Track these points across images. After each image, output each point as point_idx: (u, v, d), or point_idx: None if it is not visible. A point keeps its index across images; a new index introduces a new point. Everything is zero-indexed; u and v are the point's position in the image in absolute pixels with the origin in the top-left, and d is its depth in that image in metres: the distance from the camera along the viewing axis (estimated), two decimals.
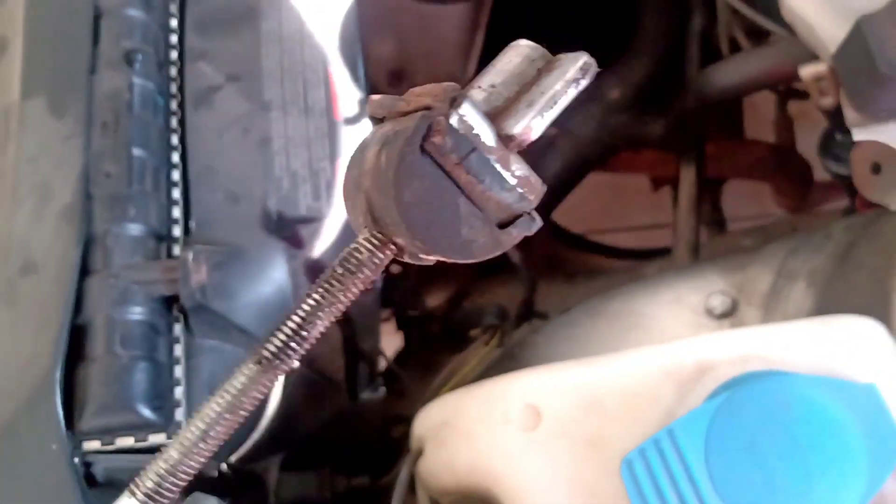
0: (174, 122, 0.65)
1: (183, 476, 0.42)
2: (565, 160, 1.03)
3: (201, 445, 0.41)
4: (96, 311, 0.57)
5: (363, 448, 0.77)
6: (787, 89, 1.23)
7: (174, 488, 0.42)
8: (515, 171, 0.39)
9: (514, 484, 0.54)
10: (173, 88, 0.66)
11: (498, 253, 0.39)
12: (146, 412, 0.56)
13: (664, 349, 0.53)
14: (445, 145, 0.37)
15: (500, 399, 0.56)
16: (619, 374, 0.54)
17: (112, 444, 0.58)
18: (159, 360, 0.58)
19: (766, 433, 0.48)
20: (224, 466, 0.65)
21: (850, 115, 0.56)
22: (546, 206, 1.09)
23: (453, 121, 0.37)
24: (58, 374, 0.55)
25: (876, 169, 0.62)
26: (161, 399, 0.57)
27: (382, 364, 0.76)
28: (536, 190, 0.39)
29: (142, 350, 0.57)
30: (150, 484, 0.41)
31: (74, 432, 0.56)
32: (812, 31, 0.57)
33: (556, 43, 1.31)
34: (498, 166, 0.38)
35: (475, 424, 0.56)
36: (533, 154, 0.39)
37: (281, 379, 0.65)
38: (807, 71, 0.61)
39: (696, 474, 0.47)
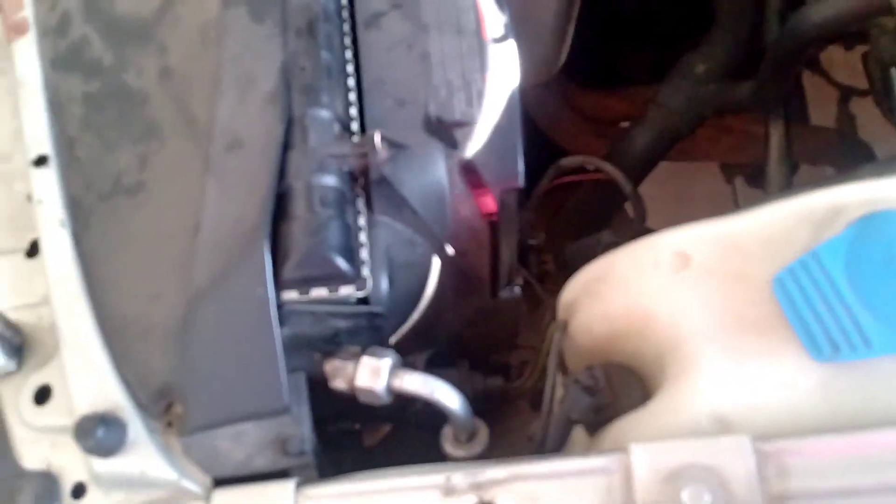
0: (347, 39, 0.75)
1: None
2: (655, 131, 1.13)
3: None
4: (297, 178, 0.66)
5: (498, 348, 0.84)
6: (848, 86, 1.33)
7: None
8: None
9: (667, 317, 0.61)
10: (345, 14, 0.76)
11: None
12: (340, 262, 0.65)
13: (796, 199, 0.61)
14: None
15: (649, 250, 0.64)
16: (758, 222, 0.62)
17: (307, 294, 0.66)
18: (349, 223, 0.67)
19: None
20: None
21: None
22: (637, 177, 1.17)
23: None
24: (267, 229, 0.64)
25: None
26: (351, 254, 0.66)
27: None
28: None
29: (335, 211, 0.66)
30: None
31: (278, 281, 0.65)
32: None
33: (645, 24, 1.44)
34: None
35: (628, 273, 0.64)
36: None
37: (436, 268, 0.74)
38: None
39: (840, 287, 0.55)
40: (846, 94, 1.28)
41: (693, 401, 0.58)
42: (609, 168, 0.91)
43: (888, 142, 1.27)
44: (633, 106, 1.29)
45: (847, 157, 1.27)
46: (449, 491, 0.58)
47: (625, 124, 1.31)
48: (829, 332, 0.53)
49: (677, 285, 0.61)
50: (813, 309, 0.54)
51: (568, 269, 0.95)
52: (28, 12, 0.84)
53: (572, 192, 1.12)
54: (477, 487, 0.58)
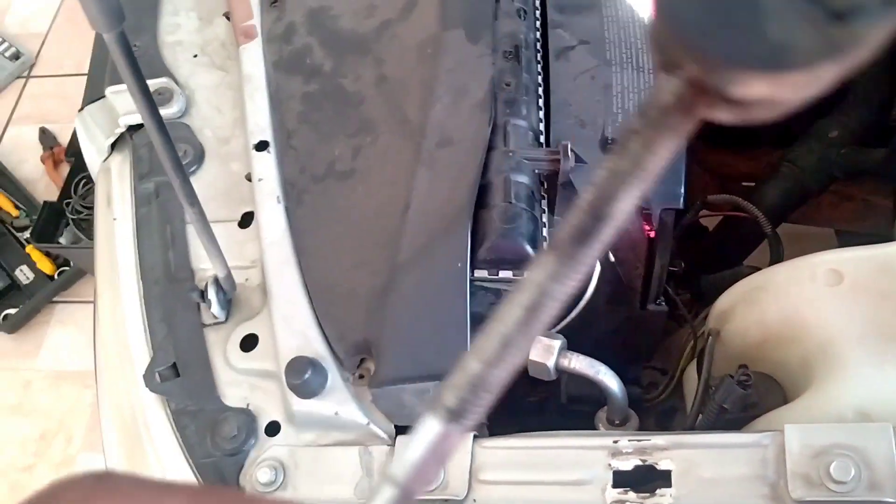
0: (538, 67, 0.87)
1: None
2: (785, 187, 1.21)
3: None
4: (497, 175, 0.77)
5: (636, 359, 0.92)
6: None
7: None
8: None
9: (819, 324, 0.69)
10: (538, 45, 0.88)
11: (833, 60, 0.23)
12: (528, 248, 0.74)
13: None
14: None
15: (807, 266, 0.72)
16: None
17: (496, 274, 0.76)
18: (536, 217, 0.77)
19: None
20: None
21: None
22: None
23: None
24: (471, 213, 0.75)
25: None
26: (536, 243, 0.76)
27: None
28: None
29: (527, 205, 0.76)
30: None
31: (472, 260, 0.75)
32: None
33: None
34: None
35: (786, 284, 0.72)
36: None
37: (596, 273, 0.83)
38: None
39: None
40: None
41: (840, 397, 0.65)
42: (752, 209, 0.99)
43: None
44: (758, 167, 1.37)
45: None
46: (615, 452, 0.66)
47: (747, 184, 1.39)
48: None
49: (830, 298, 0.69)
50: None
51: (702, 298, 1.03)
52: (256, 21, 0.99)
53: (702, 233, 1.20)
54: (641, 451, 0.66)
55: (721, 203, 1.01)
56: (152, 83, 0.96)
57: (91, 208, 1.99)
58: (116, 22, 0.49)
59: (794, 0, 0.21)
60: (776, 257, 0.99)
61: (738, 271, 0.95)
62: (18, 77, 2.43)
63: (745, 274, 0.94)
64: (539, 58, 0.88)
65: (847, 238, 1.45)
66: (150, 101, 0.61)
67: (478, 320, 0.78)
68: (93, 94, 1.04)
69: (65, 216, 2.01)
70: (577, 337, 0.86)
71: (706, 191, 1.38)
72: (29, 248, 2.09)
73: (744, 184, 1.41)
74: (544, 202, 0.80)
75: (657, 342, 0.93)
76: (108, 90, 0.98)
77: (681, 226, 1.01)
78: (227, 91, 0.98)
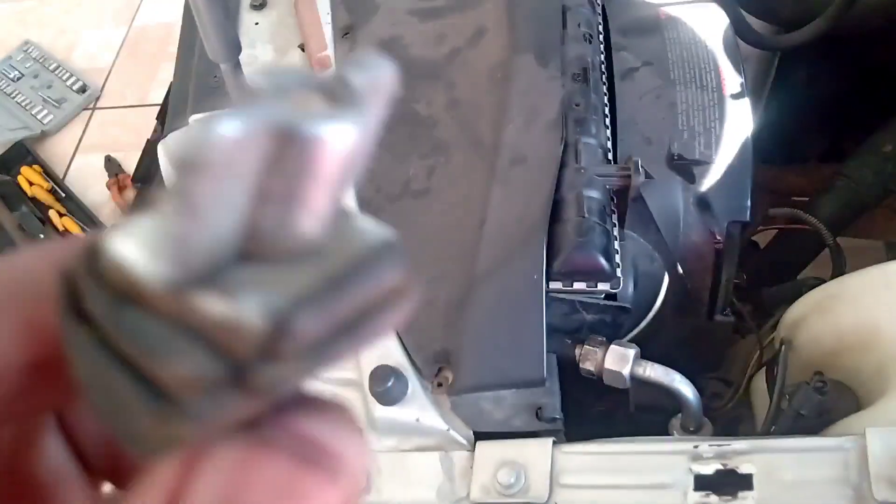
0: (605, 88, 0.90)
1: None
2: (841, 201, 1.22)
3: None
4: (570, 190, 0.80)
5: (703, 370, 0.94)
6: None
7: None
8: None
9: (895, 332, 0.70)
10: (604, 67, 0.91)
11: None
12: (602, 260, 0.77)
13: None
14: None
15: (881, 274, 0.73)
16: None
17: (571, 286, 0.79)
18: (608, 230, 0.79)
19: None
20: None
21: None
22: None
23: None
24: (546, 227, 0.78)
25: None
26: (609, 256, 0.78)
27: None
28: None
29: (599, 219, 0.79)
30: None
31: (548, 272, 0.78)
32: None
33: (829, 107, 1.54)
34: None
35: (861, 292, 0.74)
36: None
37: (665, 284, 0.85)
38: None
39: None
40: None
41: None
42: (814, 221, 1.01)
43: None
44: (807, 182, 1.39)
45: None
46: (696, 457, 0.68)
47: (797, 198, 1.40)
48: None
49: None
50: None
51: (763, 310, 1.05)
52: (330, 52, 1.04)
53: (757, 248, 1.21)
54: (721, 456, 0.67)
55: (782, 216, 1.03)
56: None
57: None
58: (235, 54, 0.53)
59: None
60: (839, 268, 1.00)
61: (800, 282, 0.96)
62: (85, 109, 2.53)
63: (808, 285, 0.96)
64: (605, 79, 0.91)
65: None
66: None
67: (553, 330, 0.80)
68: (174, 123, 1.09)
69: None
70: (646, 346, 0.88)
71: (757, 207, 1.40)
72: None
73: (793, 198, 1.43)
74: (615, 216, 0.82)
75: (724, 352, 0.95)
76: (193, 118, 1.04)
77: (744, 239, 1.03)
78: None
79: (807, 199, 1.31)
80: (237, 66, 0.55)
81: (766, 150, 1.45)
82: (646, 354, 0.89)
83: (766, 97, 1.32)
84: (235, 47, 0.53)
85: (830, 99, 1.40)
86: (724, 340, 0.93)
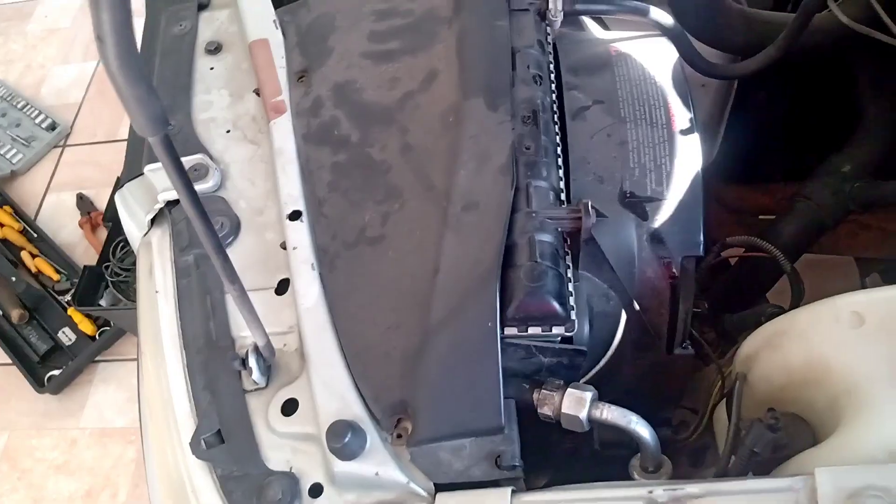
0: (556, 128, 0.90)
1: None
2: (802, 223, 1.23)
3: None
4: (521, 235, 0.80)
5: (665, 403, 0.94)
6: None
7: None
8: None
9: (844, 367, 0.71)
10: (555, 107, 0.92)
11: None
12: (555, 304, 0.77)
13: None
14: None
15: (829, 309, 0.74)
16: None
17: (525, 331, 0.79)
18: (562, 274, 0.80)
19: None
20: None
21: None
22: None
23: None
24: (499, 273, 0.78)
25: None
26: (563, 299, 0.78)
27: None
28: None
29: (552, 263, 0.79)
30: None
31: (502, 319, 0.78)
32: None
33: (790, 127, 1.56)
34: None
35: (809, 328, 0.74)
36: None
37: (623, 322, 0.86)
38: None
39: None
40: None
41: (870, 437, 0.67)
42: (770, 248, 1.02)
43: None
44: (774, 200, 1.40)
45: None
46: (651, 502, 0.68)
47: (764, 217, 1.42)
48: None
49: (854, 340, 0.71)
50: None
51: (727, 337, 1.05)
52: (284, 96, 1.04)
53: (725, 269, 1.22)
54: (676, 500, 0.67)
55: (739, 244, 1.04)
56: (188, 160, 1.01)
57: (129, 270, 2.06)
58: (160, 127, 0.53)
59: None
60: (797, 294, 1.00)
61: (759, 310, 0.97)
62: (55, 146, 2.53)
63: (767, 312, 0.96)
64: (557, 119, 0.91)
65: (867, 265, 1.46)
66: (192, 194, 0.64)
67: (511, 375, 0.80)
68: (130, 172, 1.09)
69: (104, 279, 2.08)
70: (606, 384, 0.88)
71: (723, 226, 1.41)
72: (70, 311, 2.16)
73: (760, 217, 1.44)
74: (569, 258, 0.82)
75: (685, 385, 0.95)
76: (147, 168, 1.03)
77: (702, 269, 1.04)
78: (259, 164, 1.03)
79: (773, 217, 1.33)
80: (164, 139, 0.55)
81: (731, 171, 1.47)
82: (607, 391, 0.89)
83: (727, 119, 1.33)
84: (160, 121, 0.52)
85: (790, 120, 1.42)
86: (685, 373, 0.94)
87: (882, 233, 1.33)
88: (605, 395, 0.89)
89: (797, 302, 1.02)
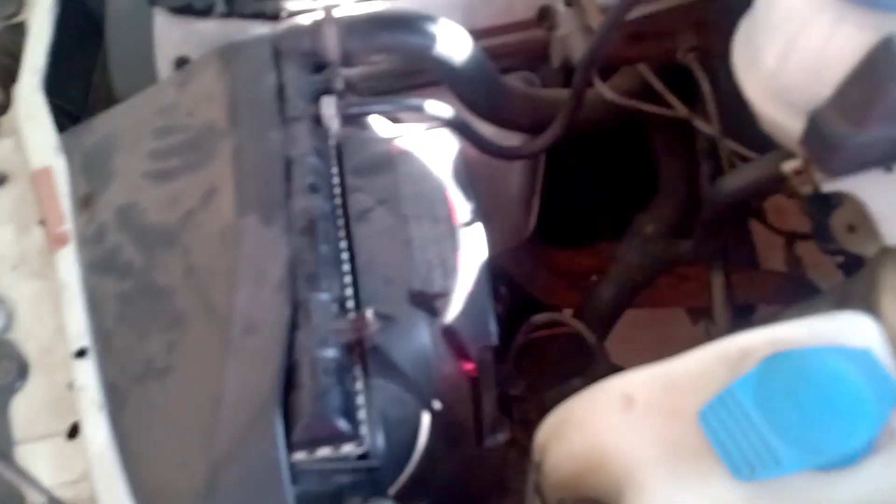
0: (341, 232, 0.90)
1: None
2: (616, 285, 1.27)
3: None
4: (303, 354, 0.78)
5: (487, 494, 0.94)
6: (793, 232, 1.48)
7: None
8: None
9: (619, 452, 0.72)
10: (339, 211, 0.92)
11: None
12: (341, 423, 0.76)
13: (716, 344, 0.74)
14: None
15: (600, 394, 0.75)
16: (687, 364, 0.74)
17: (314, 454, 0.77)
18: (348, 389, 0.79)
19: (799, 384, 0.67)
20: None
21: (818, 177, 0.80)
22: (607, 326, 1.31)
23: None
24: (278, 399, 0.76)
25: (851, 229, 0.85)
26: (351, 415, 0.77)
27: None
28: None
29: (336, 379, 0.78)
30: None
31: (288, 444, 0.76)
32: (784, 133, 0.83)
33: (603, 189, 1.62)
34: None
35: (586, 415, 0.75)
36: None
37: (426, 422, 0.85)
38: (787, 166, 0.85)
39: (753, 417, 0.66)
40: (791, 238, 1.43)
41: None
42: (574, 322, 1.04)
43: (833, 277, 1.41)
44: (601, 260, 1.44)
45: (795, 296, 1.40)
46: None
47: (595, 277, 1.46)
48: (747, 456, 0.64)
49: (625, 424, 0.72)
50: (732, 436, 0.66)
51: (548, 414, 1.06)
52: (68, 226, 1.00)
53: (549, 344, 1.24)
54: None
55: (544, 322, 1.06)
56: None
57: None
58: None
59: None
60: (601, 369, 1.03)
61: (569, 387, 0.98)
62: None
63: (574, 388, 0.98)
64: (341, 224, 0.91)
65: (696, 313, 1.52)
66: None
67: (312, 500, 0.78)
68: None
69: None
70: (423, 486, 0.88)
71: (555, 291, 1.44)
72: None
73: (593, 278, 1.48)
74: (358, 367, 0.82)
75: (502, 472, 0.95)
76: None
77: (513, 350, 1.05)
78: (48, 298, 0.98)
79: None
80: None
81: (556, 235, 1.51)
82: (425, 493, 0.88)
83: (541, 187, 1.36)
84: None
85: (603, 181, 1.47)
86: (500, 462, 0.93)
87: (700, 282, 1.39)
88: (422, 497, 0.88)
89: (606, 370, 1.04)
